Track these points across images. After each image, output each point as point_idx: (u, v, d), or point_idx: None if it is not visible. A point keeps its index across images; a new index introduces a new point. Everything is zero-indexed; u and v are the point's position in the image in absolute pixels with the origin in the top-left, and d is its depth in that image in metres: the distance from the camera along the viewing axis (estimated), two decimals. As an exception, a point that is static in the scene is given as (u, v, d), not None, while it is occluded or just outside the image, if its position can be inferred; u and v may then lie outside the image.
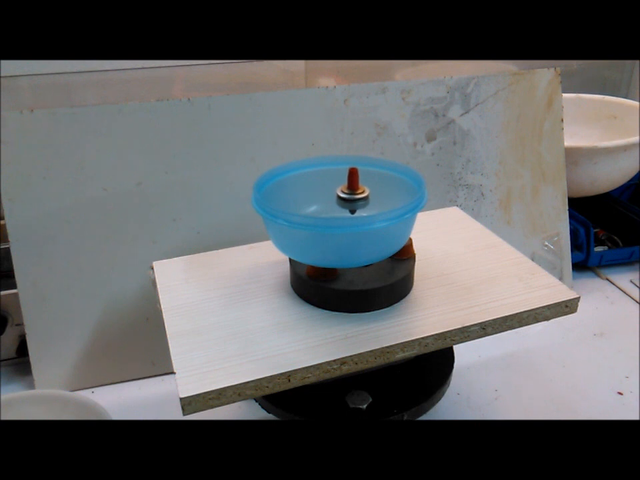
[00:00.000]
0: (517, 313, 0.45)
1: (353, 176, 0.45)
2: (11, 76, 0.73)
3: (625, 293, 0.76)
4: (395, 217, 0.42)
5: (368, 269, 0.46)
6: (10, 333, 0.61)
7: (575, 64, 1.02)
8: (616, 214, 0.85)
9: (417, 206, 0.43)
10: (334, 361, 0.40)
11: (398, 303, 0.46)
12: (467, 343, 0.44)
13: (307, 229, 0.42)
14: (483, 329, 0.44)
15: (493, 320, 0.44)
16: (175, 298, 0.47)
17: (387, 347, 0.42)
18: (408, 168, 0.48)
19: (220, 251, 0.54)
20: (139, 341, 0.62)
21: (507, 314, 0.44)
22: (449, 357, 0.53)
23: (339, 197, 0.45)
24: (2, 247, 0.65)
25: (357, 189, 0.45)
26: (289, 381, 0.40)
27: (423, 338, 0.42)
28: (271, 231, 0.45)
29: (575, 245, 0.78)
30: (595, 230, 0.82)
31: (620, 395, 0.60)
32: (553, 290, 0.47)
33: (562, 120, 0.73)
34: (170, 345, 0.42)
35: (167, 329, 0.44)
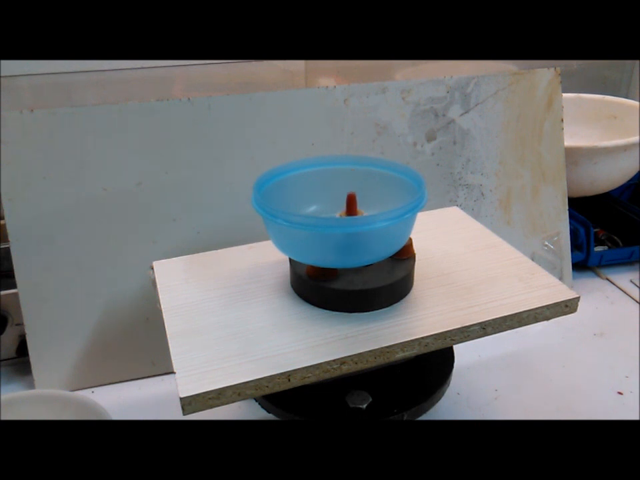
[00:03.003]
0: (516, 313, 0.45)
1: (351, 201, 0.45)
2: (10, 76, 0.73)
3: (625, 292, 0.76)
4: (395, 216, 0.42)
5: (368, 269, 0.46)
6: (10, 333, 0.61)
7: (575, 64, 1.02)
8: (616, 214, 0.85)
9: (416, 206, 0.43)
10: (334, 360, 0.40)
11: (398, 303, 0.46)
12: (466, 342, 0.44)
13: (307, 229, 0.42)
14: (483, 328, 0.44)
15: (493, 320, 0.44)
16: (175, 298, 0.47)
17: (387, 347, 0.42)
18: (408, 168, 0.48)
19: (220, 250, 0.54)
20: (139, 340, 0.62)
21: (506, 314, 0.44)
22: (448, 356, 0.53)
23: None
24: (2, 246, 0.65)
25: (356, 214, 0.45)
26: (289, 380, 0.40)
27: (422, 338, 0.42)
28: (270, 230, 0.45)
29: (575, 245, 0.78)
30: (595, 230, 0.82)
31: (620, 395, 0.60)
32: (553, 290, 0.47)
33: (562, 120, 0.73)
34: (170, 345, 0.42)
35: (167, 329, 0.44)
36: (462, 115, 0.69)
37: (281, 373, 0.39)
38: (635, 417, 0.57)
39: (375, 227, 0.41)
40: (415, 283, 0.48)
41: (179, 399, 0.37)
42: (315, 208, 0.50)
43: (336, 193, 0.48)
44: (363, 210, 0.47)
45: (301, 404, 0.48)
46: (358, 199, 0.47)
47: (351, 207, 0.46)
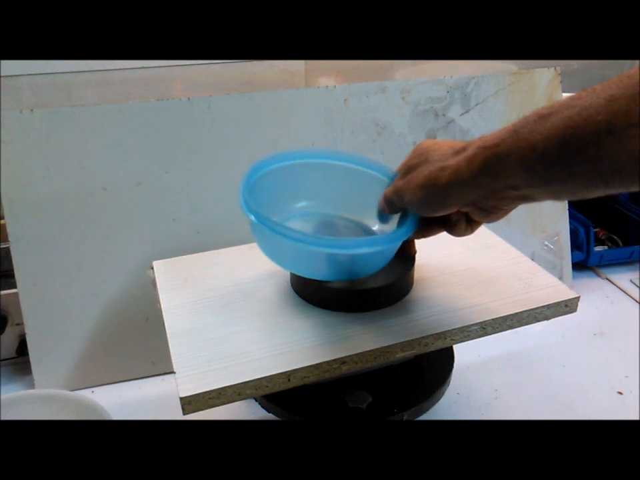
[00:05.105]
0: (516, 313, 0.45)
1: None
2: (10, 76, 0.73)
3: (624, 292, 0.76)
4: (381, 243, 0.41)
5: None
6: (10, 333, 0.61)
7: (575, 64, 1.02)
8: (616, 214, 0.85)
9: (402, 235, 0.42)
10: (334, 360, 0.40)
11: (398, 303, 0.46)
12: (466, 342, 0.44)
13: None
14: (483, 328, 0.44)
15: (493, 320, 0.44)
16: (174, 298, 0.47)
17: (387, 347, 0.42)
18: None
19: (220, 250, 0.54)
20: (139, 340, 0.62)
21: (506, 313, 0.44)
22: (449, 356, 0.53)
23: None
24: (2, 246, 0.65)
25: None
26: (289, 380, 0.40)
27: (422, 337, 0.42)
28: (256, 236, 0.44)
29: (575, 245, 0.78)
30: (595, 230, 0.82)
31: (620, 395, 0.60)
32: (553, 289, 0.47)
33: (562, 120, 0.73)
34: (170, 344, 0.42)
35: (166, 329, 0.44)
36: (462, 114, 0.69)
37: (281, 373, 0.39)
38: (635, 417, 0.57)
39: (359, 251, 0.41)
40: (414, 283, 0.48)
41: (179, 399, 0.37)
42: (305, 204, 0.49)
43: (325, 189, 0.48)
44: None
45: (301, 404, 0.48)
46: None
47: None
